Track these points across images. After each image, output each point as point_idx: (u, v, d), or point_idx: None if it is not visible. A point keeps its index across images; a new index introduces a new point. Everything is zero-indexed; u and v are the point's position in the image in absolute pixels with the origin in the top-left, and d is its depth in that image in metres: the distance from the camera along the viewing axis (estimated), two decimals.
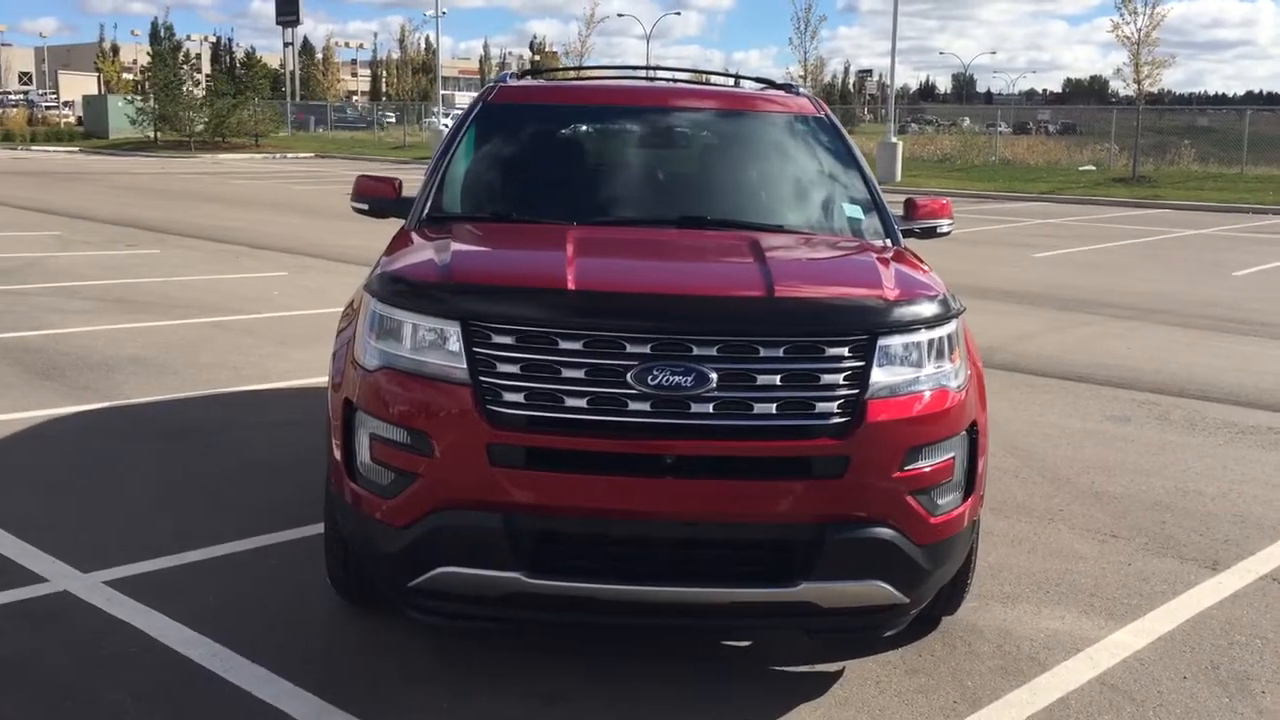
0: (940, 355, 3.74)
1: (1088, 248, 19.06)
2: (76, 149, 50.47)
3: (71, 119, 65.46)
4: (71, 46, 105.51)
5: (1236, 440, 7.35)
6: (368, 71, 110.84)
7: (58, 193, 25.74)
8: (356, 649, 4.04)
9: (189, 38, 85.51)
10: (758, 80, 6.26)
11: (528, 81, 5.76)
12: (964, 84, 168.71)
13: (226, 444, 6.57)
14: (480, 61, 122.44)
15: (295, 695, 3.65)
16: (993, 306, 12.59)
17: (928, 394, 3.65)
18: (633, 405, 3.44)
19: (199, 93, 52.89)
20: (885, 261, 4.15)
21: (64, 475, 5.88)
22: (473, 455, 3.46)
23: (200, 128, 50.35)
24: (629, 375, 3.43)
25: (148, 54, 57.83)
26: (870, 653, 4.11)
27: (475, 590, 3.53)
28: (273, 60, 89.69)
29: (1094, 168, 37.63)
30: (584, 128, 5.32)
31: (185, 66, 53.81)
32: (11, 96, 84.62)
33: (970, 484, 3.83)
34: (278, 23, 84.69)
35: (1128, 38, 32.85)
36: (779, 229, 4.65)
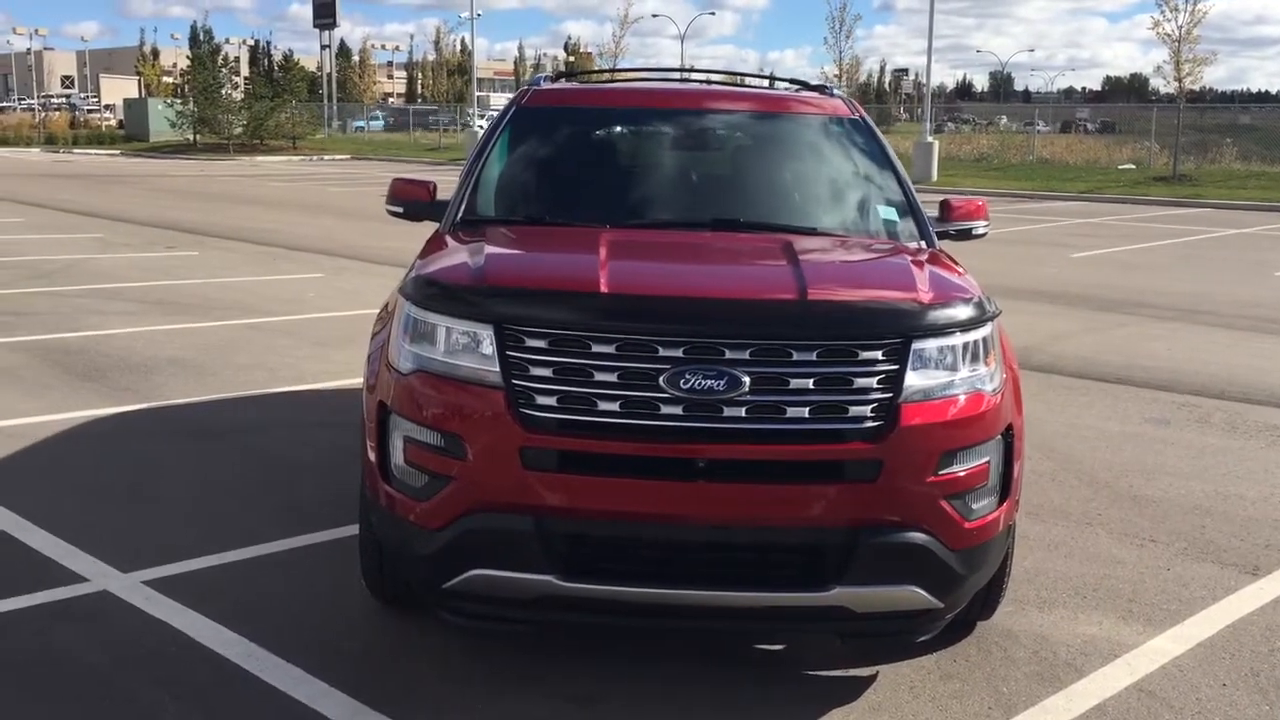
0: (975, 358, 3.71)
1: (1126, 247, 18.88)
2: (117, 152, 51.05)
3: (113, 122, 66.23)
4: (113, 50, 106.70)
5: (1278, 444, 7.26)
6: (404, 74, 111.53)
7: (98, 195, 26.05)
8: (390, 650, 4.06)
9: (227, 41, 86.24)
10: (792, 82, 6.24)
11: (562, 84, 5.77)
12: (1001, 82, 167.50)
13: (263, 445, 6.63)
14: (515, 63, 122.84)
15: (329, 695, 3.68)
16: (1029, 307, 12.50)
17: (963, 398, 3.63)
18: (665, 409, 3.44)
19: (237, 96, 53.41)
20: (920, 264, 4.13)
21: (103, 476, 5.95)
22: (505, 458, 3.47)
23: (239, 130, 50.83)
24: (661, 379, 3.43)
25: (186, 57, 58.38)
26: (905, 657, 4.09)
27: (508, 593, 3.54)
28: (310, 63, 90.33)
29: (1134, 166, 37.27)
30: (617, 130, 5.32)
31: (224, 70, 54.37)
32: (54, 100, 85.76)
33: (1006, 488, 3.80)
34: (315, 25, 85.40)
35: (1168, 35, 32.52)
36: (813, 231, 4.64)
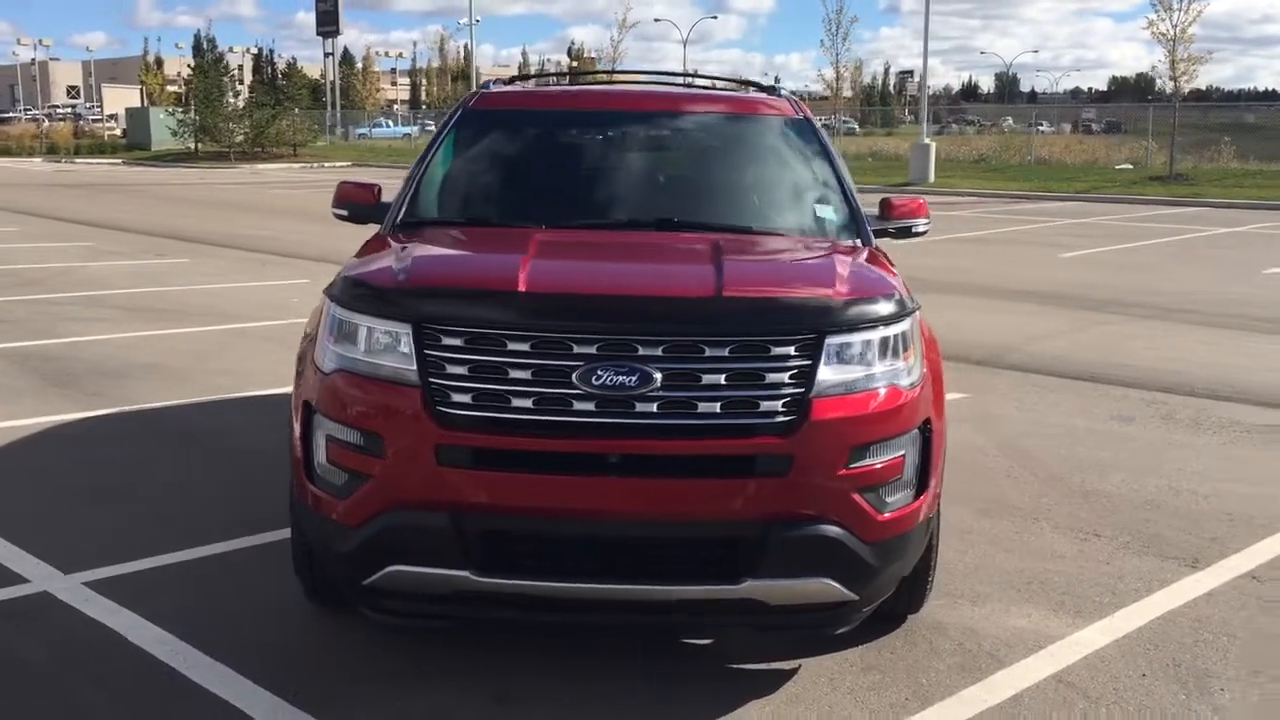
0: (892, 354, 3.76)
1: (1117, 247, 18.88)
2: (119, 161, 51.23)
3: (116, 131, 66.49)
4: (118, 60, 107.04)
5: (1240, 439, 7.29)
6: (408, 80, 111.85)
7: (95, 204, 26.19)
8: (318, 648, 4.12)
9: (230, 50, 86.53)
10: (741, 82, 6.29)
11: (510, 88, 5.83)
12: (1007, 83, 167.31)
13: (227, 448, 6.69)
14: (518, 68, 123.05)
15: (253, 693, 3.73)
16: (1014, 307, 12.55)
17: (877, 392, 3.67)
18: (577, 405, 3.49)
19: (239, 104, 53.59)
20: (845, 261, 4.18)
21: (60, 479, 6.02)
22: (421, 456, 3.52)
23: (240, 138, 50.99)
24: (574, 375, 3.49)
25: (188, 66, 58.63)
26: (831, 650, 4.13)
27: (426, 588, 3.60)
28: (314, 71, 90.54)
29: (1130, 166, 37.24)
30: (559, 132, 5.37)
31: (225, 78, 54.57)
32: (59, 110, 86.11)
33: (923, 481, 3.84)
34: (318, 33, 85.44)
35: (1163, 35, 32.48)
36: (746, 230, 4.69)
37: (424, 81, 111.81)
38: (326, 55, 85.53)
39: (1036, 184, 33.18)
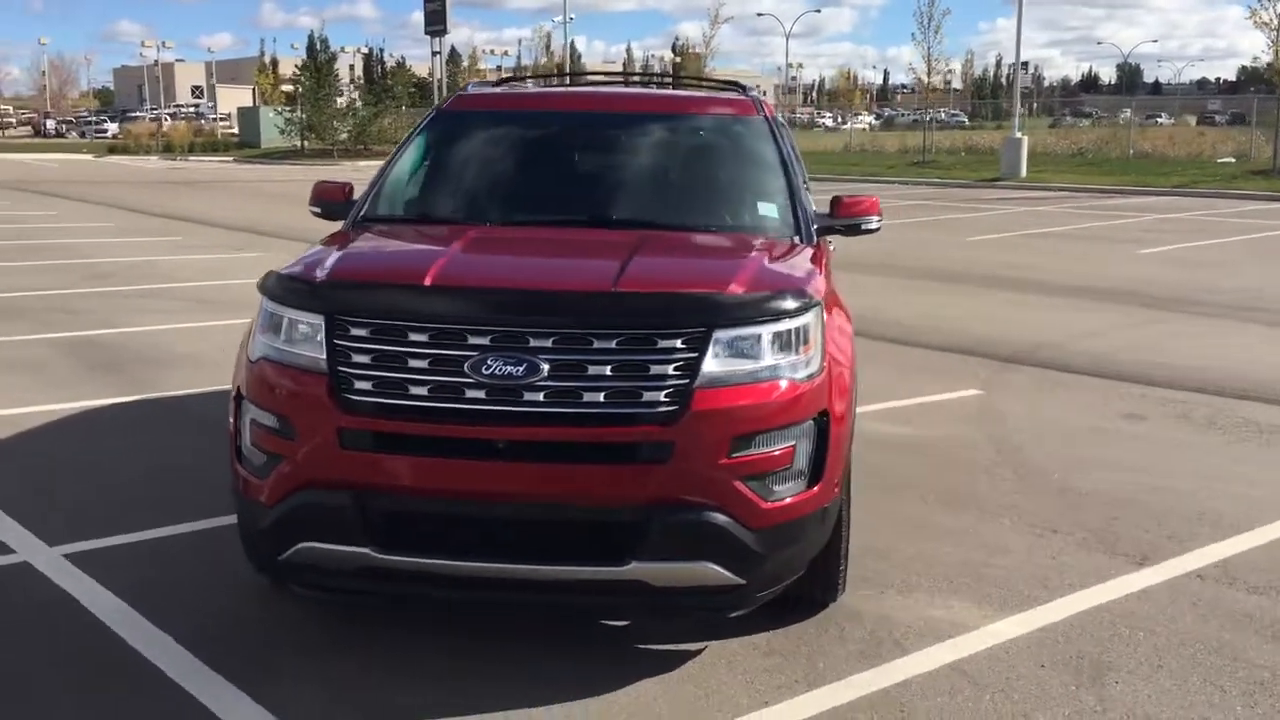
0: (786, 347, 3.88)
1: (1198, 243, 18.45)
2: (230, 158, 52.99)
3: (232, 130, 68.74)
4: (239, 60, 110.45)
5: (1249, 439, 7.20)
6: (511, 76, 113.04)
7: (193, 199, 27.21)
8: (254, 619, 4.37)
9: (342, 49, 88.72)
10: (716, 83, 6.42)
11: (485, 91, 6.06)
12: (1128, 74, 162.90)
13: None
14: (623, 65, 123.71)
15: (188, 662, 3.99)
16: (1071, 303, 12.46)
17: (765, 385, 3.80)
18: (469, 393, 3.70)
19: (343, 102, 54.97)
20: (759, 258, 4.32)
21: (73, 459, 6.42)
22: (326, 439, 3.77)
23: (344, 136, 52.33)
24: (466, 365, 3.70)
25: (295, 66, 60.30)
26: (743, 634, 4.26)
27: (333, 564, 3.84)
28: (422, 69, 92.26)
29: (1233, 160, 36.10)
30: (519, 134, 5.58)
31: (329, 77, 56.03)
32: (183, 110, 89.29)
33: (818, 471, 3.95)
34: (426, 33, 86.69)
35: (1265, 23, 31.45)
36: (679, 228, 4.85)
37: (567, 77, 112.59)
38: (434, 54, 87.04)
39: (1132, 179, 32.44)
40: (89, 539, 5.10)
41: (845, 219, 5.18)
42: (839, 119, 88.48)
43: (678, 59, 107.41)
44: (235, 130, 67.46)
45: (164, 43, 77.43)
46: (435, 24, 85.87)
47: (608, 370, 3.70)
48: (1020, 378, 8.95)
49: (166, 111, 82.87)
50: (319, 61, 58.78)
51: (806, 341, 3.96)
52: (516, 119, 5.65)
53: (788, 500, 3.85)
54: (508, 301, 3.82)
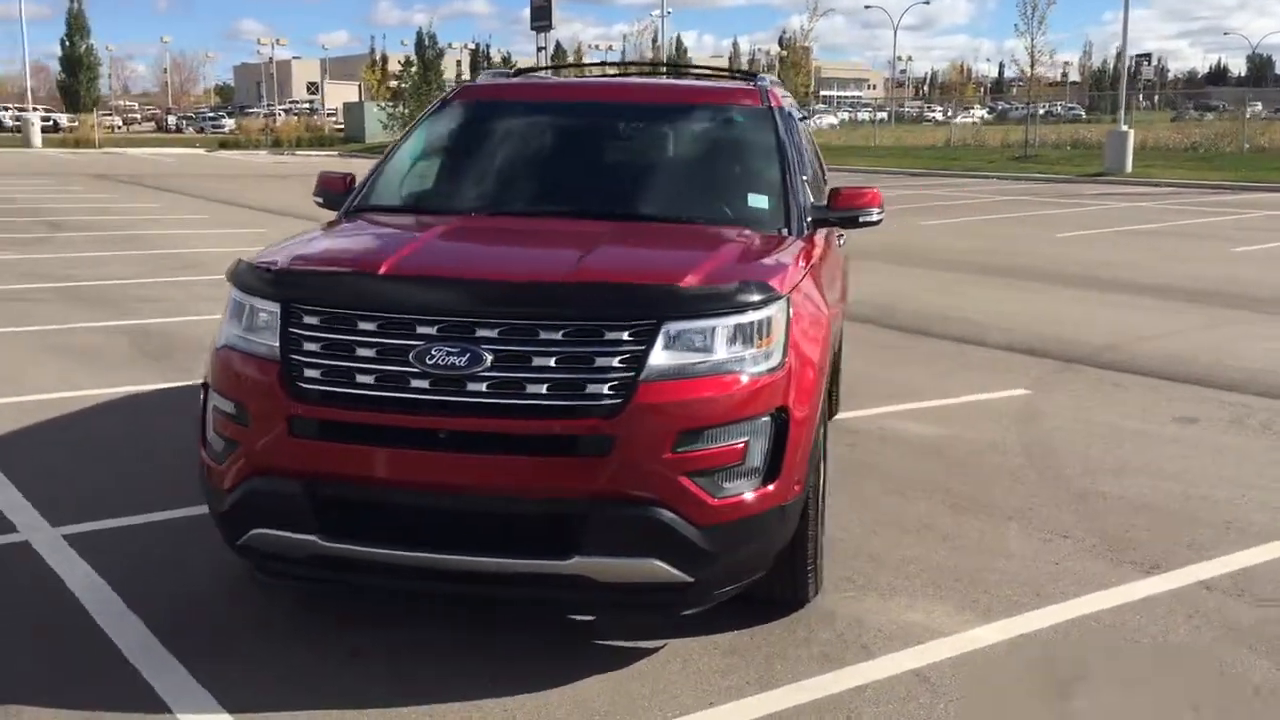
0: (742, 341, 3.79)
1: None
2: (334, 153, 54.09)
3: (340, 125, 70.25)
4: (351, 58, 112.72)
5: None
6: (616, 71, 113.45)
7: (289, 193, 27.78)
8: (224, 605, 4.40)
9: (450, 46, 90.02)
10: (730, 73, 6.32)
11: (497, 80, 6.05)
12: (1258, 66, 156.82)
13: None
14: (730, 59, 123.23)
15: (145, 640, 4.06)
16: (1153, 302, 12.12)
17: (716, 379, 3.72)
18: (414, 383, 3.69)
19: None
20: (730, 250, 4.25)
21: (103, 442, 6.58)
22: (277, 426, 3.79)
23: None
24: (411, 355, 3.69)
25: (399, 62, 61.40)
26: (709, 632, 4.18)
27: (285, 551, 3.86)
28: (528, 65, 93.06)
29: None
30: (518, 124, 5.56)
31: (431, 73, 56.93)
32: (297, 106, 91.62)
33: (775, 469, 3.86)
34: (532, 28, 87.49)
35: None
36: (662, 219, 4.79)
37: (636, 73, 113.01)
38: (539, 49, 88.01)
39: (1243, 174, 31.27)
40: (94, 520, 5.21)
41: (841, 211, 5.05)
42: (948, 112, 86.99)
43: (784, 53, 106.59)
44: (341, 125, 68.92)
45: (278, 40, 79.40)
46: (541, 19, 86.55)
47: (552, 362, 3.65)
48: (1078, 378, 8.68)
49: (281, 107, 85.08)
50: (426, 58, 59.78)
51: (766, 336, 3.87)
52: (516, 110, 5.64)
53: (739, 497, 3.76)
54: (455, 292, 3.80)
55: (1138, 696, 3.82)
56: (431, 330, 3.71)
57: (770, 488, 3.85)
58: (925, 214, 23.11)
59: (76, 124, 64.23)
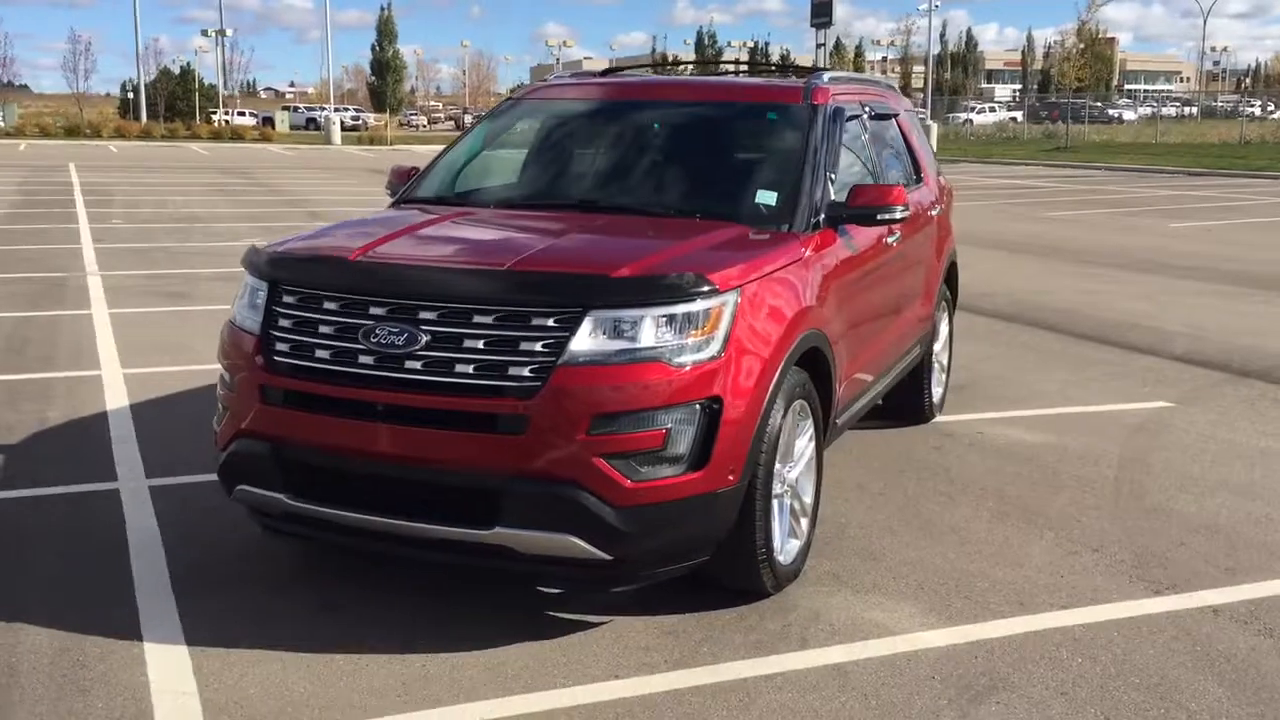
0: (674, 331, 3.93)
1: None
2: None
3: None
4: (637, 57, 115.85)
5: None
6: (899, 69, 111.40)
7: None
8: (240, 552, 4.86)
9: (729, 44, 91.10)
10: (791, 69, 6.33)
11: (565, 79, 6.31)
12: None
13: None
14: (1022, 53, 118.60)
15: (158, 578, 4.57)
16: None
17: (638, 366, 3.86)
18: (361, 359, 4.03)
19: None
20: (691, 244, 4.41)
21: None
22: (253, 394, 4.23)
23: None
24: (360, 333, 4.03)
25: (675, 60, 62.60)
26: (667, 613, 4.32)
27: (263, 506, 4.29)
28: (808, 61, 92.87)
29: None
30: (554, 123, 5.82)
31: (708, 71, 57.90)
32: None
33: (704, 457, 3.97)
34: (812, 25, 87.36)
35: None
36: (656, 213, 4.97)
37: (924, 68, 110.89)
38: (818, 46, 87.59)
39: None
40: (185, 475, 5.83)
41: (856, 209, 5.04)
42: (1266, 106, 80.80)
43: (1082, 44, 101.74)
44: None
45: (564, 41, 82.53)
46: (821, 16, 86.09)
47: (481, 344, 3.91)
48: (1236, 393, 8.15)
49: None
50: (705, 56, 60.74)
51: (699, 327, 3.98)
52: (554, 110, 5.90)
53: (659, 481, 3.90)
54: (403, 276, 4.12)
55: (1053, 712, 3.70)
56: (382, 311, 4.04)
57: (697, 475, 3.96)
58: (1181, 215, 21.85)
59: (378, 123, 68.95)
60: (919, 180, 6.85)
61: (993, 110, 78.91)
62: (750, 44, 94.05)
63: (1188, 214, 22.27)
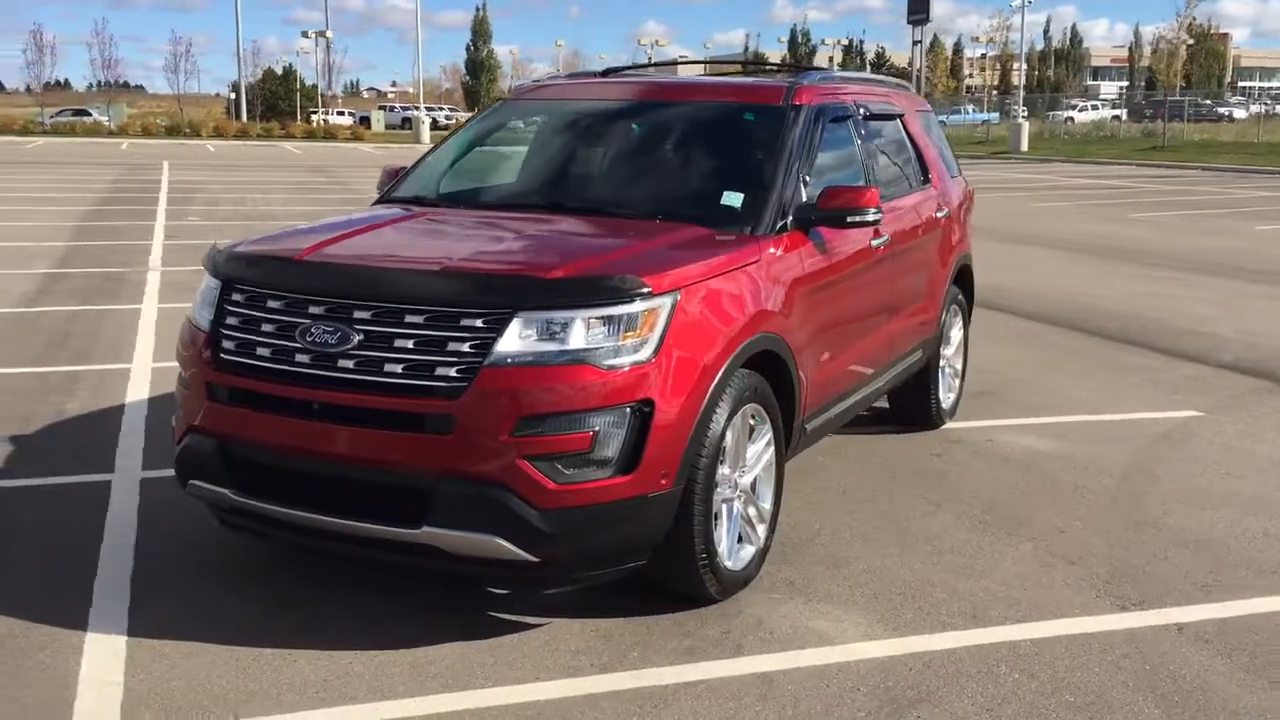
0: (605, 333, 3.91)
1: None
2: None
3: None
4: (728, 56, 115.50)
5: None
6: (998, 66, 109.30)
7: None
8: (210, 547, 4.94)
9: (823, 42, 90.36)
10: (782, 67, 6.24)
11: (558, 80, 6.31)
12: None
13: None
14: (1129, 49, 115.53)
15: (119, 573, 4.64)
16: None
17: (565, 368, 3.85)
18: (298, 358, 4.08)
19: None
20: (635, 246, 4.40)
21: None
22: (201, 391, 4.31)
23: None
24: (297, 331, 4.09)
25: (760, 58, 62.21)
26: (607, 616, 4.31)
27: (213, 500, 4.37)
28: (901, 59, 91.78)
29: None
30: (541, 123, 5.83)
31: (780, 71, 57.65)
32: None
33: (634, 460, 3.94)
34: (909, 22, 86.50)
35: None
36: (616, 214, 4.96)
37: (1026, 65, 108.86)
38: (914, 44, 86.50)
39: None
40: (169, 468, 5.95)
41: (825, 211, 4.97)
42: None
43: (1190, 40, 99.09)
44: None
45: (656, 40, 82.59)
46: (918, 13, 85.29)
47: (411, 344, 3.94)
48: (1278, 402, 7.86)
49: None
50: (798, 54, 60.39)
51: (633, 329, 3.96)
52: (534, 112, 5.93)
53: (586, 484, 3.88)
54: (340, 276, 4.16)
55: None
56: (320, 310, 4.09)
57: (626, 478, 3.94)
58: (1271, 218, 21.22)
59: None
60: (925, 182, 6.73)
61: (1095, 108, 77.14)
62: (844, 41, 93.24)
63: (1278, 216, 21.53)
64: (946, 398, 7.10)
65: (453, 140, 5.90)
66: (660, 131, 5.52)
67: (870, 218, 5.00)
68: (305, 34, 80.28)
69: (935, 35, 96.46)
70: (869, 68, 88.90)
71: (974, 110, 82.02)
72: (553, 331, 3.90)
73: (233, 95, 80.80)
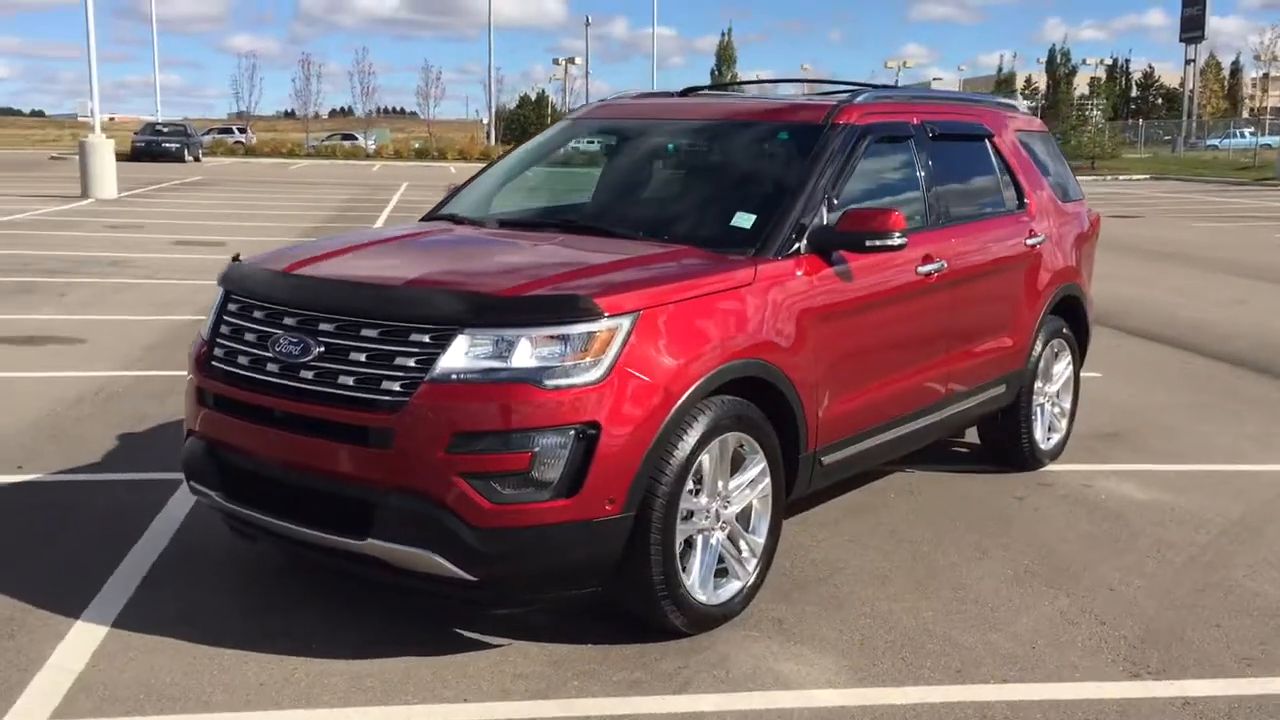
0: (554, 354, 3.86)
1: None
2: None
3: None
4: (980, 78, 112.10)
5: None
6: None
7: None
8: (229, 550, 5.13)
9: (1084, 61, 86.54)
10: (844, 85, 5.96)
11: (624, 99, 6.26)
12: None
13: None
14: None
15: (136, 570, 4.84)
16: None
17: (506, 386, 3.82)
18: (269, 367, 4.21)
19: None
20: (613, 265, 4.35)
21: None
22: (196, 396, 4.50)
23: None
24: (269, 342, 4.21)
25: (1024, 81, 60.50)
26: (570, 642, 4.23)
27: (209, 502, 4.54)
28: (1172, 80, 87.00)
29: None
30: (589, 144, 5.80)
31: (1060, 89, 55.69)
32: None
33: (577, 483, 3.86)
34: (1181, 39, 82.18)
35: None
36: (624, 234, 4.90)
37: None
38: (1187, 63, 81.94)
39: None
40: None
41: (845, 234, 4.74)
42: None
43: None
44: None
45: (904, 62, 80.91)
46: (1192, 30, 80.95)
47: (364, 357, 3.99)
48: None
49: None
50: (1056, 75, 58.37)
51: (583, 350, 3.89)
52: (600, 130, 5.89)
53: (523, 505, 3.84)
54: (309, 289, 4.28)
55: None
56: (292, 322, 4.20)
57: (567, 501, 3.86)
58: None
59: None
60: (1021, 206, 6.33)
61: None
62: (1108, 61, 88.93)
63: None
64: (1047, 437, 6.63)
65: (507, 160, 5.95)
66: (692, 152, 5.43)
67: (894, 242, 4.74)
68: (556, 61, 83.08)
69: (1211, 53, 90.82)
70: (1134, 88, 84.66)
71: (1253, 134, 76.57)
72: (499, 350, 3.87)
73: (483, 120, 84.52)
